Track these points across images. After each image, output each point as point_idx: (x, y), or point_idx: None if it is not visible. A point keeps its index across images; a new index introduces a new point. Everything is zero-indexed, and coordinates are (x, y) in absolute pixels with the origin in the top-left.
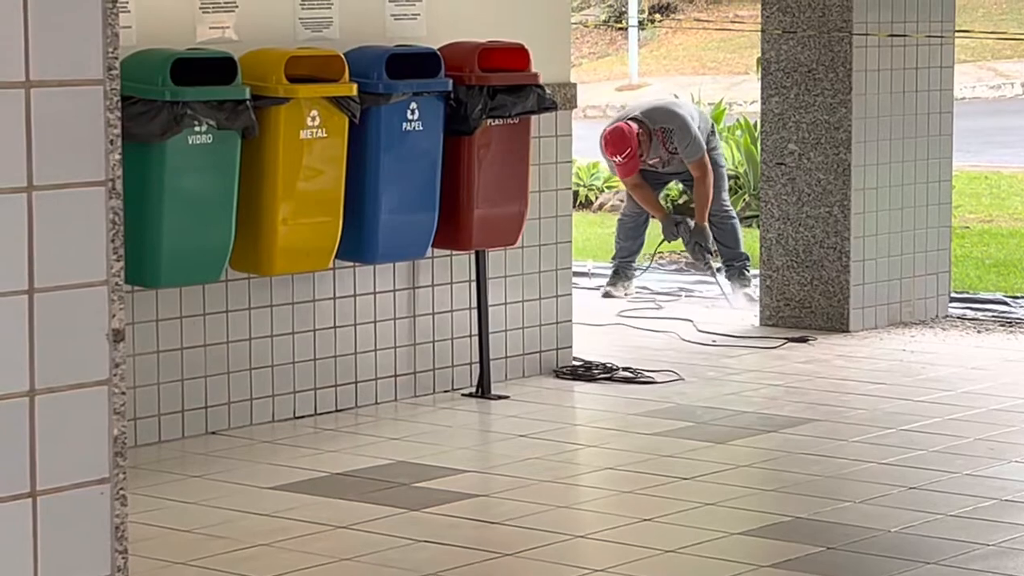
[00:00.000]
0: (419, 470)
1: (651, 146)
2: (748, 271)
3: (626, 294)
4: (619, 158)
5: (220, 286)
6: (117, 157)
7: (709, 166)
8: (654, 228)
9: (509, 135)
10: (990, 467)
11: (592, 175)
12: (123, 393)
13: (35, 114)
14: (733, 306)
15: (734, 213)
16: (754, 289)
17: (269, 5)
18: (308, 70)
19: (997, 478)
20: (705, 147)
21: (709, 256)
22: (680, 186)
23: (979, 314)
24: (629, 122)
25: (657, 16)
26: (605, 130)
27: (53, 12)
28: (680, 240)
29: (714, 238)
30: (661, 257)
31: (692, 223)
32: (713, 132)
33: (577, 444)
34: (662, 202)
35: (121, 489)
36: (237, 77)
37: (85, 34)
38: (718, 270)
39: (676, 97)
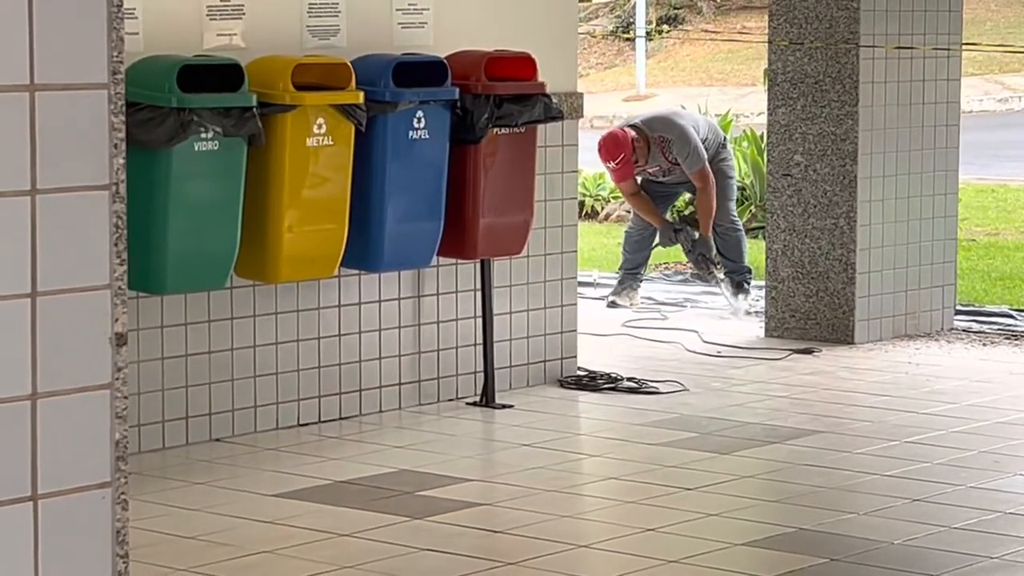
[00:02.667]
0: (423, 478)
1: (649, 154)
2: (749, 284)
3: (631, 304)
4: (612, 163)
5: (225, 293)
6: (121, 161)
7: (711, 177)
8: (672, 248)
9: (515, 144)
10: (994, 480)
11: (598, 185)
12: (125, 397)
13: (39, 117)
14: (739, 318)
15: (740, 225)
16: (752, 304)
17: (276, 13)
18: (315, 78)
19: (1001, 491)
20: (706, 158)
21: (713, 267)
22: (688, 196)
23: (984, 327)
24: (626, 128)
25: (665, 27)
26: (602, 136)
27: (58, 15)
28: (680, 247)
29: (718, 249)
30: (667, 268)
31: (695, 233)
32: (724, 144)
33: (581, 454)
34: (669, 214)
35: (122, 494)
36: (244, 84)
37: (90, 38)
38: (722, 281)
39: (683, 108)
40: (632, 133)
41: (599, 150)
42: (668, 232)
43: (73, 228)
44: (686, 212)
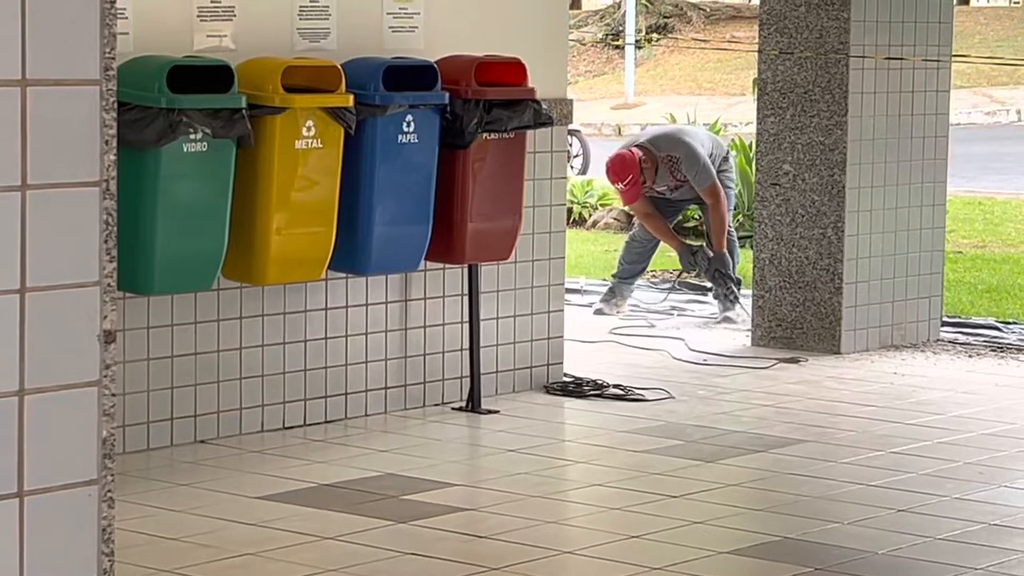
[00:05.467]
0: (407, 483)
1: (657, 174)
2: (735, 295)
3: (618, 312)
4: (621, 185)
5: (212, 294)
6: (112, 158)
7: (721, 192)
8: (660, 253)
9: (504, 149)
10: (979, 491)
11: (586, 192)
12: (113, 395)
13: (31, 113)
14: (741, 326)
15: (735, 236)
16: (737, 314)
17: (267, 15)
18: (305, 80)
19: (986, 502)
20: (715, 174)
21: (731, 282)
22: (699, 213)
23: (970, 339)
24: (633, 149)
25: (654, 35)
26: (608, 159)
27: (51, 11)
28: (699, 269)
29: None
30: (654, 276)
31: (710, 252)
32: (727, 157)
33: (566, 460)
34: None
35: (109, 491)
36: (233, 86)
37: (82, 34)
38: (702, 288)
39: (672, 117)
40: (639, 153)
41: (607, 172)
42: (687, 255)
43: (63, 224)
44: (689, 226)
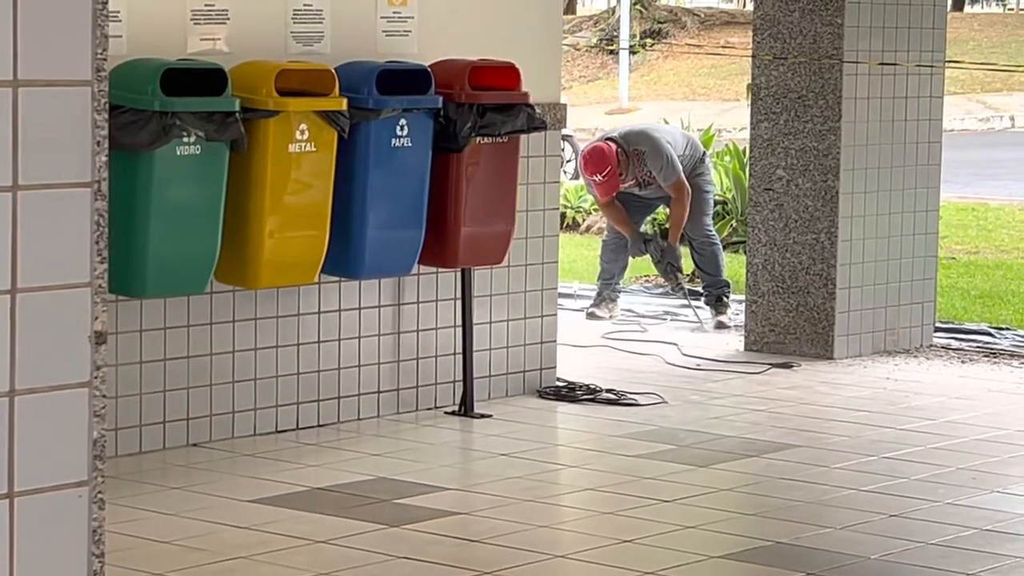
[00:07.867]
0: (400, 487)
1: (628, 168)
2: (727, 298)
3: (611, 316)
4: (599, 177)
5: (205, 298)
6: (103, 159)
7: (687, 188)
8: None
9: (498, 153)
10: (972, 496)
11: (580, 197)
12: (104, 396)
13: (22, 113)
14: (705, 329)
15: (717, 239)
16: (731, 317)
17: (261, 18)
18: (298, 84)
19: (979, 508)
20: (681, 170)
21: (680, 276)
22: (667, 211)
23: (963, 344)
24: (607, 142)
25: (649, 40)
26: (583, 150)
27: (42, 11)
28: (649, 258)
29: (695, 263)
30: (647, 281)
31: (663, 243)
32: (703, 159)
33: (559, 464)
34: (648, 225)
35: (99, 493)
36: (227, 89)
37: (74, 34)
38: (694, 294)
39: (666, 122)
40: (614, 147)
41: (584, 164)
42: (638, 243)
43: (54, 225)
44: (667, 225)
